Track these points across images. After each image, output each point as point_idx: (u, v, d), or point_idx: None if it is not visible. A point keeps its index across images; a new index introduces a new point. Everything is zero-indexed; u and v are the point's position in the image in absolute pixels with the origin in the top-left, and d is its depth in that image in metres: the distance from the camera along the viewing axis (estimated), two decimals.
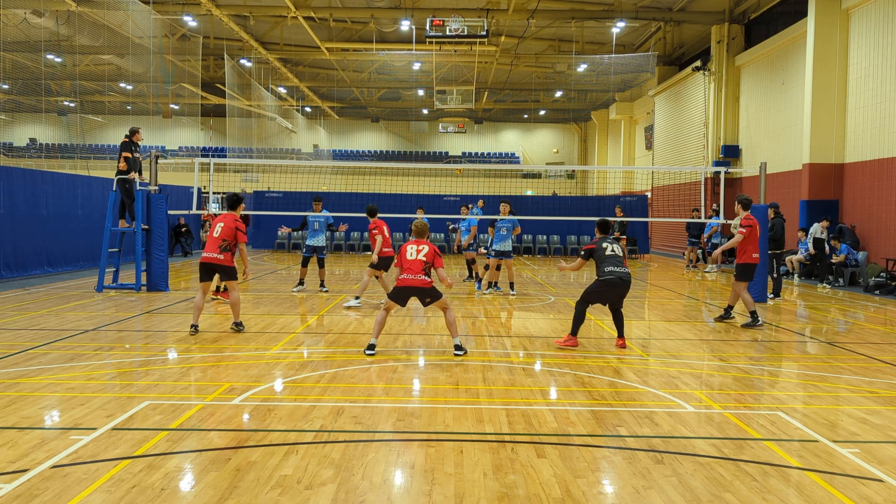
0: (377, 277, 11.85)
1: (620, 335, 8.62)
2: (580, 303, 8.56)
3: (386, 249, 11.72)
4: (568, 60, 30.34)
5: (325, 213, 13.96)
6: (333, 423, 5.34)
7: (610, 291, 8.44)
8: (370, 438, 5.01)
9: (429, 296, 8.12)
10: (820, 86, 18.58)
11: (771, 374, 7.43)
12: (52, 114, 39.70)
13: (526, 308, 12.17)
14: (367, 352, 7.92)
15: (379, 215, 12.09)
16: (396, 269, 8.29)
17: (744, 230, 10.31)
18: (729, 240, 11.39)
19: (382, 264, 11.72)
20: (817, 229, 17.25)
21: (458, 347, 8.04)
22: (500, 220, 13.32)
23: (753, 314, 10.26)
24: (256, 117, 36.17)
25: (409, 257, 8.14)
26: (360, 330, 9.59)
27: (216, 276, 10.67)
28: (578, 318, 8.51)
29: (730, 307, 10.79)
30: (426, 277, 8.03)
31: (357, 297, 11.80)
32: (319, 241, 13.75)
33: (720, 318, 10.82)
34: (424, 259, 8.12)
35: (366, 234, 28.26)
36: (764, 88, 22.92)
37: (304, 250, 14.01)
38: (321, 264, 13.88)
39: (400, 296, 8.15)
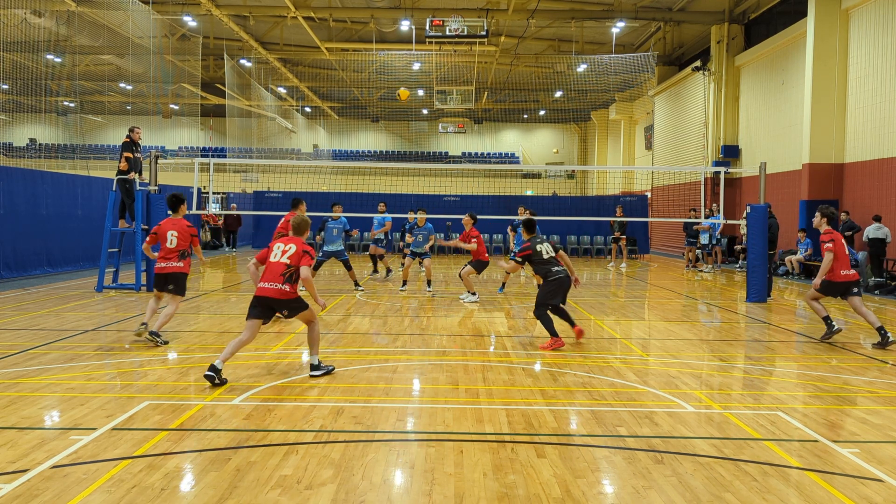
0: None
1: (573, 325, 8.70)
2: (540, 308, 8.58)
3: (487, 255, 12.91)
4: (568, 60, 30.33)
5: (343, 217, 14.09)
6: (333, 423, 5.34)
7: (560, 289, 8.60)
8: (370, 438, 5.01)
9: (287, 307, 6.66)
10: (820, 86, 18.58)
11: (771, 374, 7.43)
12: (52, 114, 39.71)
13: (526, 308, 12.16)
14: (207, 373, 6.33)
15: (378, 215, 12.22)
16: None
17: (830, 245, 9.02)
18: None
19: (481, 268, 12.89)
20: (883, 231, 16.07)
21: (314, 367, 6.82)
22: (418, 227, 14.29)
23: (826, 319, 9.23)
24: (256, 117, 36.16)
25: (271, 259, 6.71)
26: (360, 330, 9.59)
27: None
28: (548, 322, 8.53)
29: (881, 328, 8.90)
30: (284, 286, 6.55)
31: (473, 293, 12.73)
32: (337, 245, 13.85)
33: (879, 345, 8.88)
34: (288, 261, 6.61)
35: (366, 233, 28.32)
36: (764, 88, 22.92)
37: (321, 255, 13.85)
38: (348, 266, 13.95)
39: (257, 309, 6.60)
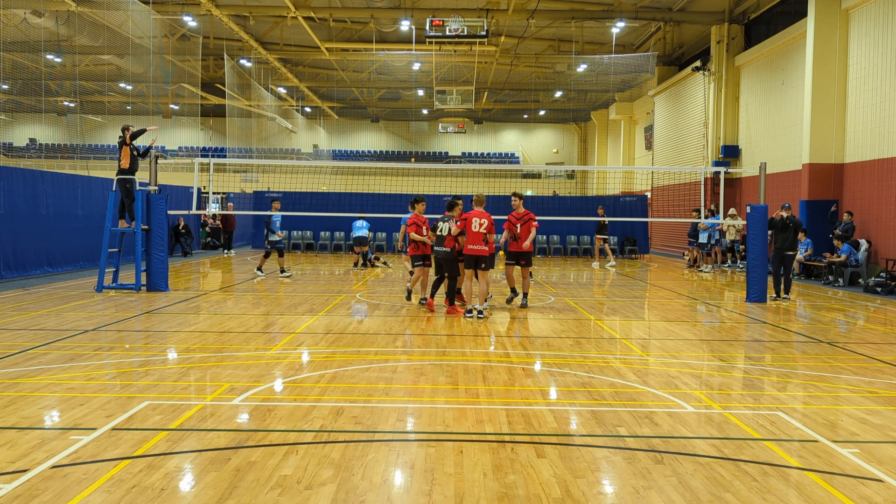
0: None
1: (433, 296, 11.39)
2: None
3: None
4: (568, 60, 30.32)
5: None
6: (333, 423, 5.34)
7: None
8: (370, 438, 5.01)
9: (484, 261, 10.55)
10: (820, 86, 18.57)
11: (771, 374, 7.43)
12: (52, 114, 39.68)
13: (525, 308, 12.15)
14: (467, 314, 10.44)
15: (378, 215, 12.21)
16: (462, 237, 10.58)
17: (534, 222, 11.59)
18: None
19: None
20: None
21: (479, 312, 10.42)
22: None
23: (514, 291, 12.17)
24: (256, 117, 36.15)
25: (473, 229, 10.38)
26: (359, 330, 9.59)
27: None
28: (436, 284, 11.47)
29: (514, 288, 12.04)
30: (485, 247, 10.41)
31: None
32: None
33: (508, 300, 12.12)
34: (485, 231, 10.44)
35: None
36: (764, 88, 22.92)
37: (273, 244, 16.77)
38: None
39: (470, 262, 10.67)
